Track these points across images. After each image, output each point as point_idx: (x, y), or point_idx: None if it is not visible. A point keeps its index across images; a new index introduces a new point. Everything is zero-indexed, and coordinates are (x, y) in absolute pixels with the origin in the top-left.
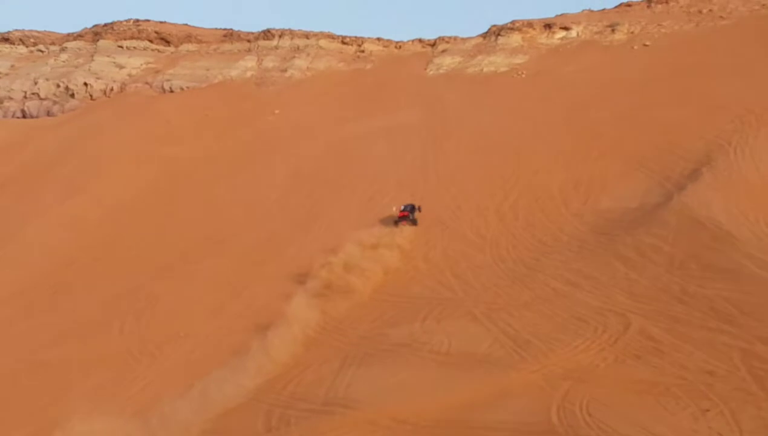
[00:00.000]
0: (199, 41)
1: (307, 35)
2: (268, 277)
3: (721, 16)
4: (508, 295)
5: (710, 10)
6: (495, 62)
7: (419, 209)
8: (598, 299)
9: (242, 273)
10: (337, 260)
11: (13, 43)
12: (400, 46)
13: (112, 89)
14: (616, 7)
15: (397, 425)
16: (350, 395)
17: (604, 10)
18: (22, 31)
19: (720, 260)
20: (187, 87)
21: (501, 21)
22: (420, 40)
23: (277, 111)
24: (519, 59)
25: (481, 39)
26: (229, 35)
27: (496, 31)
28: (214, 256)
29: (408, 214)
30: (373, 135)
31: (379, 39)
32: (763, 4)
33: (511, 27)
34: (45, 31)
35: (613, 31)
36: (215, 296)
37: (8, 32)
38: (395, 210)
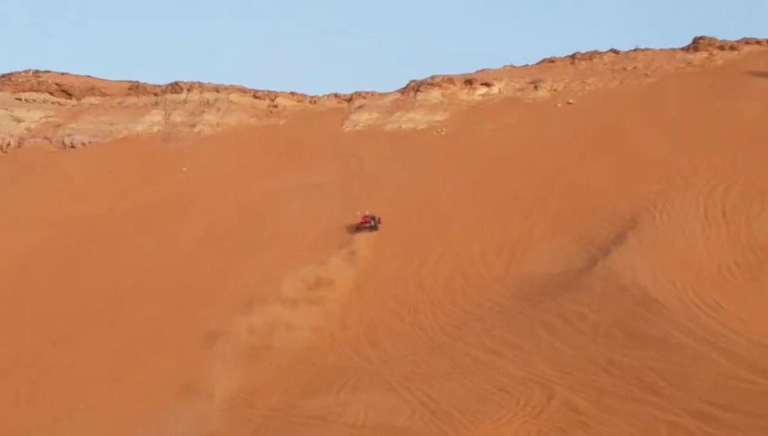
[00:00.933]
0: (103, 94)
1: (217, 88)
2: (177, 342)
3: (645, 74)
4: (428, 364)
5: (635, 68)
6: (414, 119)
7: (379, 221)
8: (521, 368)
9: (148, 338)
10: (260, 322)
11: None
12: (315, 101)
13: (9, 144)
14: (538, 63)
15: None
16: None
17: (526, 66)
18: None
19: (646, 327)
20: (90, 142)
21: (420, 76)
22: (336, 95)
23: (185, 168)
24: (439, 116)
25: (399, 94)
26: (135, 88)
27: (415, 87)
28: (119, 320)
29: (369, 221)
30: (288, 194)
31: (293, 93)
32: (689, 62)
33: (431, 82)
34: None
35: (535, 88)
36: (117, 364)
37: None
38: (359, 214)
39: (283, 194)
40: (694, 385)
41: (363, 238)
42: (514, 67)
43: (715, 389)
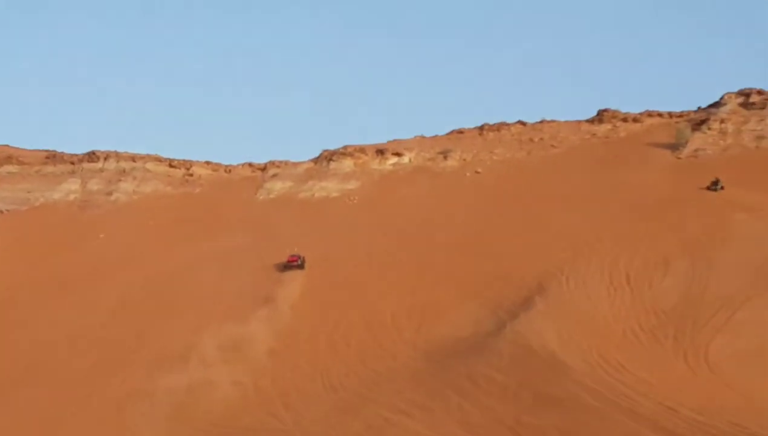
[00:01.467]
0: (21, 162)
1: (133, 158)
2: (98, 404)
3: (552, 145)
4: (340, 425)
5: (541, 139)
6: (327, 187)
7: (304, 260)
8: (430, 429)
9: (64, 404)
10: (177, 383)
11: None
12: (229, 170)
13: None
14: (448, 133)
15: None
16: None
17: (436, 136)
18: None
19: (553, 389)
20: (7, 210)
21: (332, 146)
22: (250, 164)
23: (102, 235)
24: (351, 185)
25: (312, 164)
26: (52, 157)
27: (327, 156)
28: (32, 386)
29: (297, 260)
30: (202, 261)
31: (208, 162)
32: (593, 133)
33: (344, 152)
34: None
35: (445, 157)
36: (35, 429)
37: None
38: (288, 252)
39: (199, 260)
40: None
41: (282, 297)
42: (424, 137)
43: None
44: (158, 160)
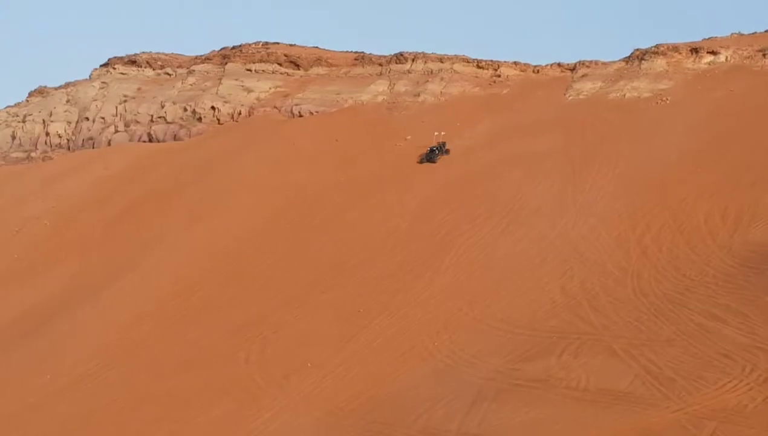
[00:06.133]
0: (330, 65)
1: (441, 59)
2: (398, 307)
3: None
4: (650, 330)
5: None
6: (638, 88)
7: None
8: (745, 335)
9: (371, 303)
10: (490, 283)
11: (140, 66)
12: (537, 71)
13: (240, 113)
14: (767, 30)
15: None
16: (483, 432)
17: (754, 33)
18: (149, 53)
19: None
20: (317, 111)
21: (645, 44)
22: (559, 65)
23: (408, 137)
24: (663, 85)
25: (623, 63)
26: (360, 59)
27: (639, 56)
28: (342, 285)
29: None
30: (509, 162)
31: (516, 63)
32: None
33: (656, 51)
34: (172, 53)
35: (764, 56)
36: (343, 326)
37: (135, 54)
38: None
39: (505, 163)
40: None
41: (587, 199)
42: (741, 35)
43: None
44: (466, 61)
